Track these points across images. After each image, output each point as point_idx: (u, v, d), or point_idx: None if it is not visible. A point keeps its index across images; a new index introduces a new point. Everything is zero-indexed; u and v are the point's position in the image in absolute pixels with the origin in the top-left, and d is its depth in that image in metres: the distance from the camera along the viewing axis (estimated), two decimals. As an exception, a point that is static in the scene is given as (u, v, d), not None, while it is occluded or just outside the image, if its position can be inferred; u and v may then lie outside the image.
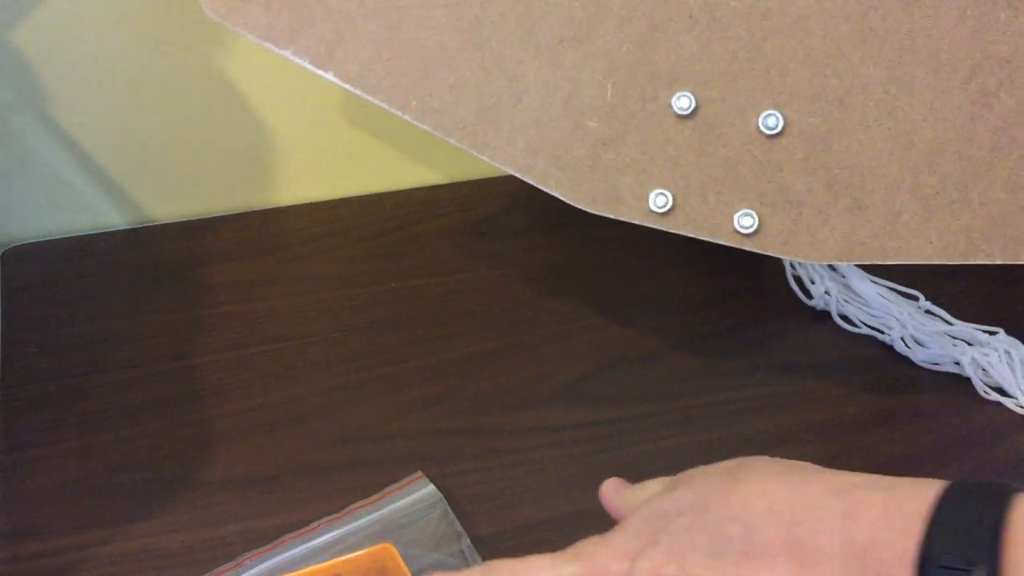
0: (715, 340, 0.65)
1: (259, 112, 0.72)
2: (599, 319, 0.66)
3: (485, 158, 0.52)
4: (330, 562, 0.48)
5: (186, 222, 0.73)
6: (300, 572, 0.48)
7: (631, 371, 0.63)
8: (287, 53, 0.51)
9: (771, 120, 0.50)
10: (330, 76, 0.51)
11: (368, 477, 0.56)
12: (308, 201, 0.76)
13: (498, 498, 0.56)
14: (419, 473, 0.55)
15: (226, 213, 0.74)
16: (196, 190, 0.74)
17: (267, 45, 0.51)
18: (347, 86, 0.51)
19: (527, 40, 0.51)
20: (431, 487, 0.54)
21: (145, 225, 0.74)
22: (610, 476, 0.49)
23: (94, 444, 0.58)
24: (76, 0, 0.65)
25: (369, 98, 0.51)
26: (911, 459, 0.58)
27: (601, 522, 0.54)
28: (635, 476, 0.56)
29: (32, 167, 0.70)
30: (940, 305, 0.64)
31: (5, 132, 0.68)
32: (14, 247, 0.71)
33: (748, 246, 0.52)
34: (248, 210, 0.75)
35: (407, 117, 0.52)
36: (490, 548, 0.53)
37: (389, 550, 0.48)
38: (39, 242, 0.71)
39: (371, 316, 0.66)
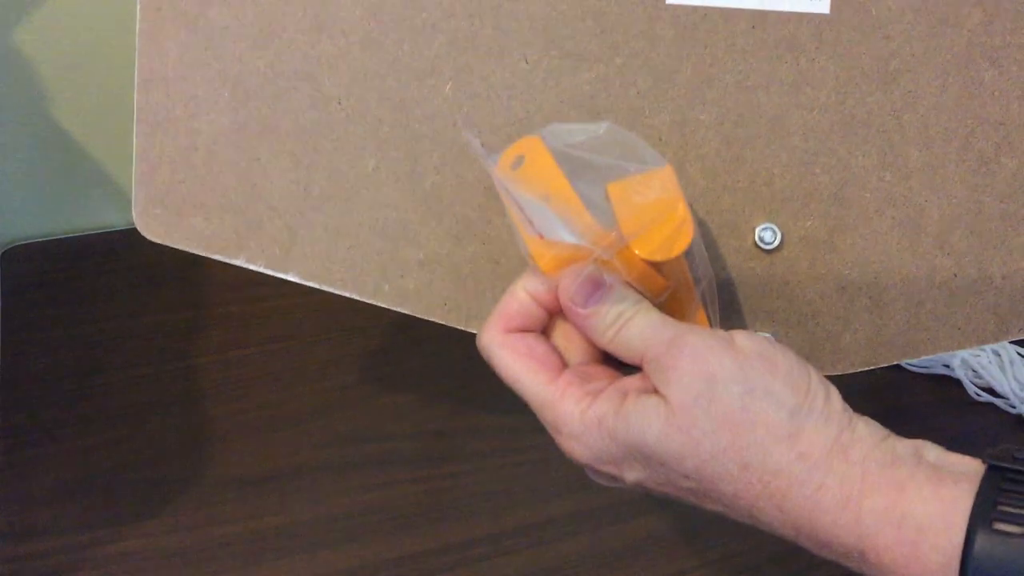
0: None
1: (259, 112, 0.72)
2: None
3: (472, 330, 0.47)
4: None
5: (185, 222, 0.73)
6: None
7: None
8: (239, 261, 0.47)
9: (767, 234, 0.47)
10: (291, 277, 0.48)
11: (368, 477, 0.56)
12: (307, 201, 0.76)
13: (498, 498, 0.56)
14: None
15: (225, 213, 0.74)
16: (195, 190, 0.74)
17: (216, 257, 0.47)
18: (311, 283, 0.48)
19: (493, 197, 0.47)
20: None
21: (144, 225, 0.74)
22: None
23: (94, 444, 0.58)
24: (76, 0, 0.65)
25: (336, 291, 0.47)
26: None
27: (601, 523, 0.55)
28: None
29: (32, 167, 0.70)
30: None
31: (5, 132, 0.68)
32: (14, 247, 0.71)
33: None
34: (247, 210, 0.75)
35: (381, 303, 0.48)
36: (490, 548, 0.53)
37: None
38: (39, 242, 0.71)
39: (371, 316, 0.66)
